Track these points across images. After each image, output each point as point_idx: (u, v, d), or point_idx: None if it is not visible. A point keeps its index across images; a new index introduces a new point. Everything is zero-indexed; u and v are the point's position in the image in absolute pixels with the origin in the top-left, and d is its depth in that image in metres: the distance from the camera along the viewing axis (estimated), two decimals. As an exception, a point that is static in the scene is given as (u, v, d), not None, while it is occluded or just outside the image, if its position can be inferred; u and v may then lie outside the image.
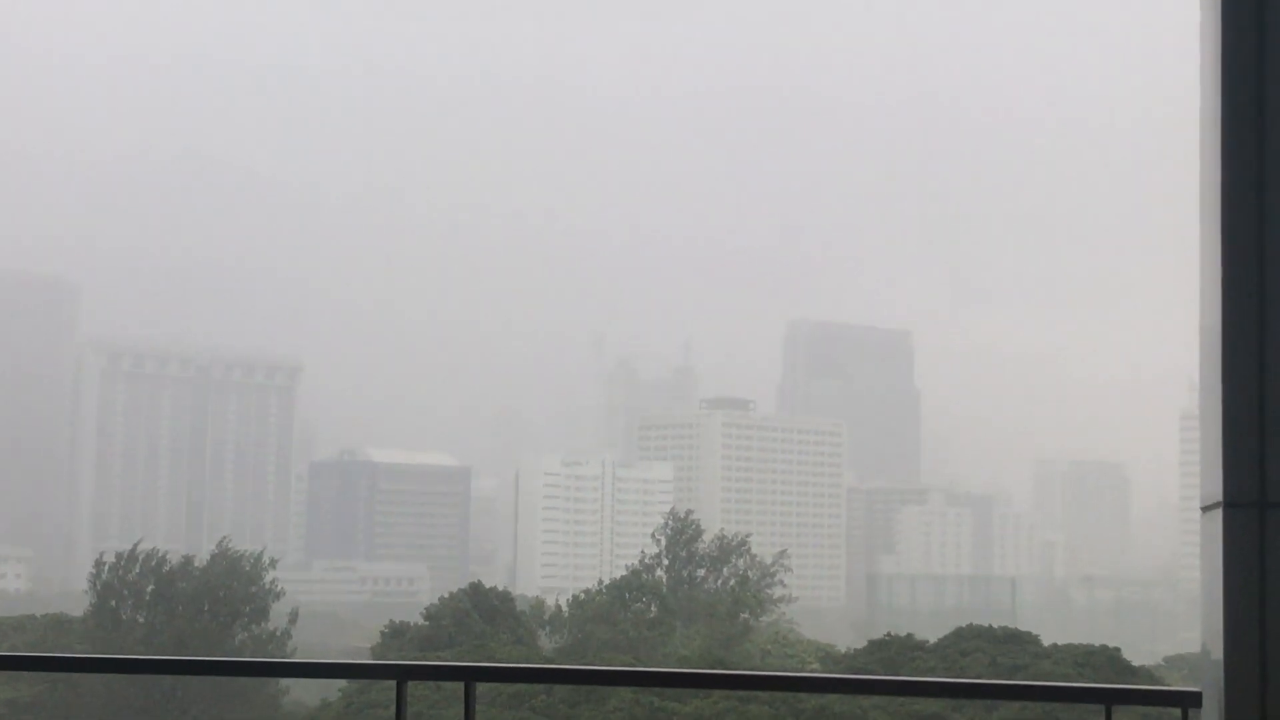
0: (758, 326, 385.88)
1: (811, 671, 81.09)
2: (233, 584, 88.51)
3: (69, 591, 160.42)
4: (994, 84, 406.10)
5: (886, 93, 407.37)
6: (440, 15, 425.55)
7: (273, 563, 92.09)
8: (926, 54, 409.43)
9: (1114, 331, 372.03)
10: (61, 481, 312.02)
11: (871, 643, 75.45)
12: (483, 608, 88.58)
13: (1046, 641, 70.02)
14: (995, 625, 72.47)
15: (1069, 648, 67.83)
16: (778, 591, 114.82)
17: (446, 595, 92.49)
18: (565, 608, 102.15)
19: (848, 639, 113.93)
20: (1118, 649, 67.47)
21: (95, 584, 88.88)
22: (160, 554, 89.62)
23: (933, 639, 72.97)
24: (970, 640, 69.81)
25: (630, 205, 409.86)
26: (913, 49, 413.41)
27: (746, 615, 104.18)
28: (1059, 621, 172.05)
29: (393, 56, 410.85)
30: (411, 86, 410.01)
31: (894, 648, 71.67)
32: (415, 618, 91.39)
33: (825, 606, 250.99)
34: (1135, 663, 70.96)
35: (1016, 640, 69.61)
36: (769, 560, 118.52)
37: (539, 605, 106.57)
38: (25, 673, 73.32)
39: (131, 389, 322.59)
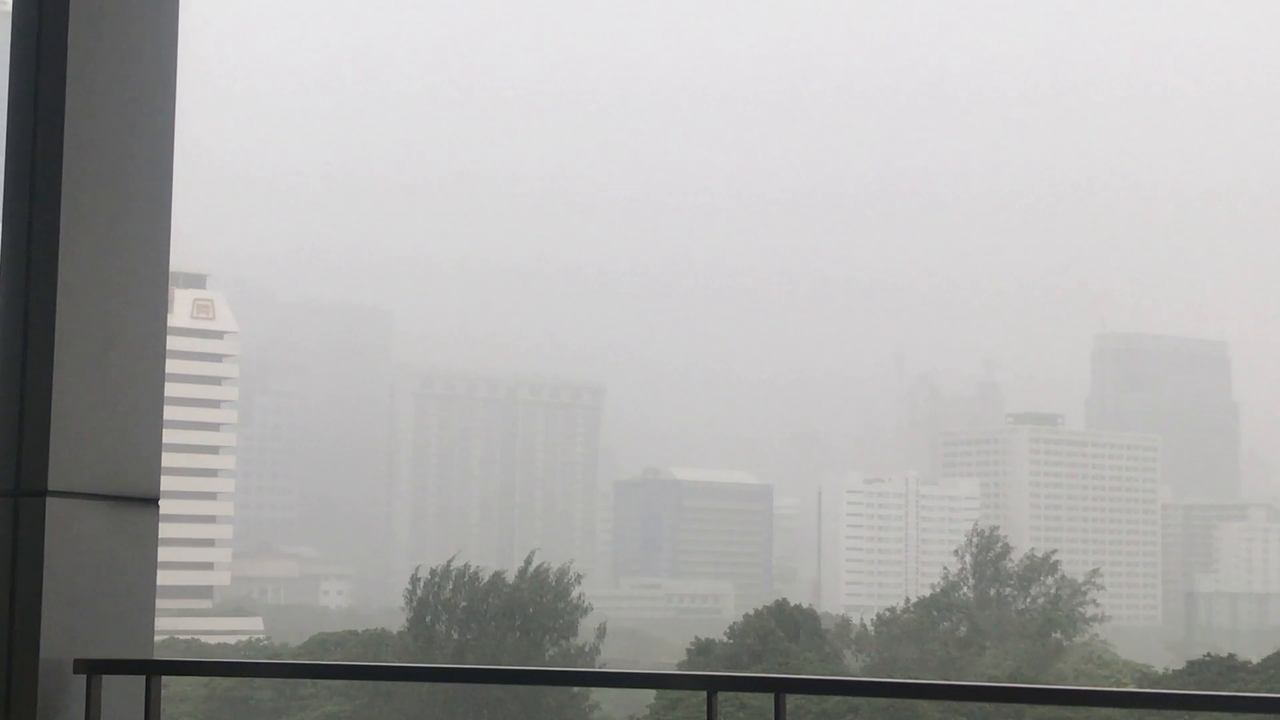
0: (1064, 340, 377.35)
1: (1133, 688, 78.75)
2: (542, 599, 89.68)
3: (388, 608, 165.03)
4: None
5: (1191, 94, 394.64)
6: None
7: (579, 578, 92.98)
8: (1229, 54, 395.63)
9: None
10: (380, 501, 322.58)
11: (1190, 663, 73.11)
12: (788, 626, 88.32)
13: (1380, 663, 66.63)
14: (1324, 645, 69.27)
15: (1404, 669, 64.42)
16: (1090, 610, 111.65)
17: (751, 613, 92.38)
18: (871, 626, 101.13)
19: (1165, 660, 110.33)
20: None
21: (411, 600, 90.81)
22: (473, 570, 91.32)
23: (1256, 659, 70.22)
24: (1297, 661, 66.86)
25: (930, 220, 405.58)
26: (1225, 49, 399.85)
27: (1058, 635, 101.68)
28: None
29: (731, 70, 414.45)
30: (749, 102, 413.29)
31: (1214, 668, 69.17)
32: (720, 635, 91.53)
33: (1141, 626, 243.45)
34: None
35: (1347, 661, 66.41)
36: (1080, 578, 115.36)
37: (844, 623, 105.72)
38: (345, 685, 75.86)
39: (443, 411, 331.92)
